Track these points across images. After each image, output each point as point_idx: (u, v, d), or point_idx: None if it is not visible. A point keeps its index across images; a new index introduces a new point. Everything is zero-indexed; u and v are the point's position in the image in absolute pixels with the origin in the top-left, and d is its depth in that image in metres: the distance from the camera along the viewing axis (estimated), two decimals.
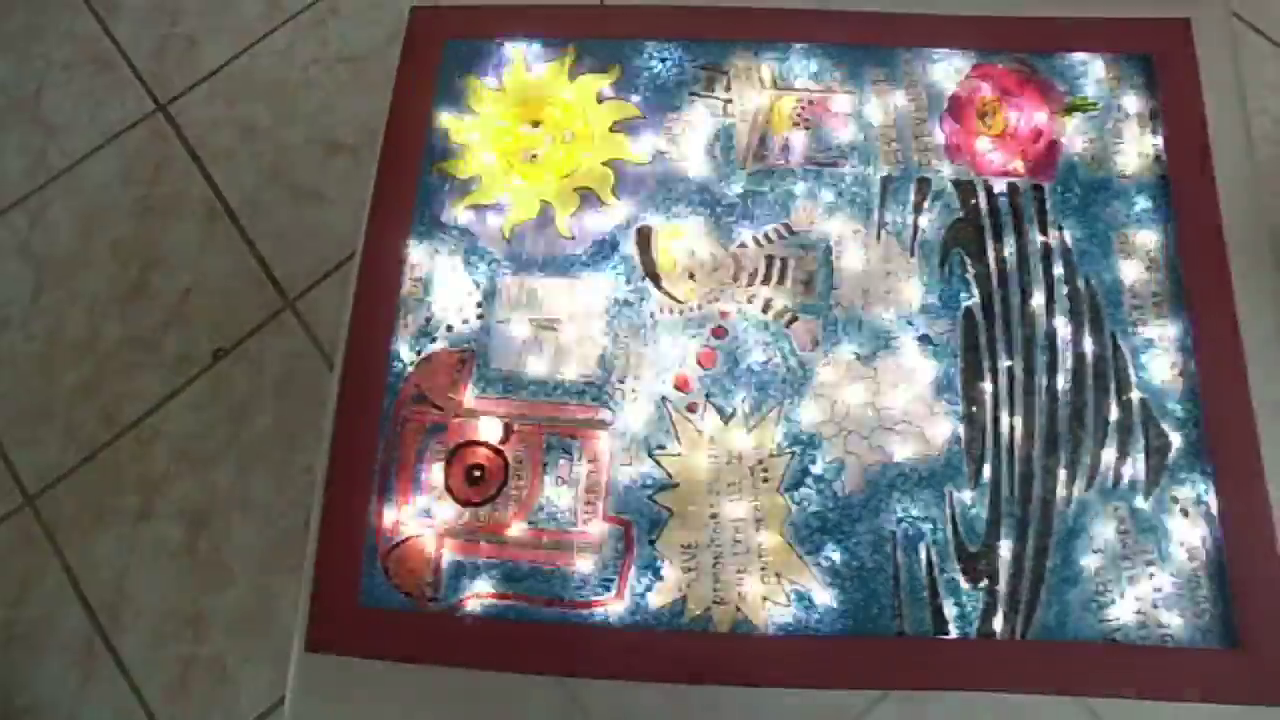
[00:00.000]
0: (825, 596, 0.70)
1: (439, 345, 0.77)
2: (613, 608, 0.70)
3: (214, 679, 1.24)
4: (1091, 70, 0.83)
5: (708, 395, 0.75)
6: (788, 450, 0.73)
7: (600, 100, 0.84)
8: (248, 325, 1.40)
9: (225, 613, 1.27)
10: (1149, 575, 0.70)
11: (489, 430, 0.75)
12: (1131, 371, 0.74)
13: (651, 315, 0.77)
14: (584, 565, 0.71)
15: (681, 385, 0.75)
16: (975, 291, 0.77)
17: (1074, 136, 0.81)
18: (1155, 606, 0.69)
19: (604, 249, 0.79)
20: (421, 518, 0.73)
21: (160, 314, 1.41)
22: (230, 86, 1.53)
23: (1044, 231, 0.78)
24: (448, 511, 0.73)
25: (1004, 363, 0.75)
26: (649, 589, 0.71)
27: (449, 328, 0.78)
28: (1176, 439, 0.72)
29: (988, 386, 0.74)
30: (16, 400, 1.38)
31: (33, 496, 1.33)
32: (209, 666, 1.25)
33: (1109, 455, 0.72)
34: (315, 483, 0.74)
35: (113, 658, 1.26)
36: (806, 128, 0.82)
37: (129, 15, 1.59)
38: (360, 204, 0.81)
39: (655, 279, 0.78)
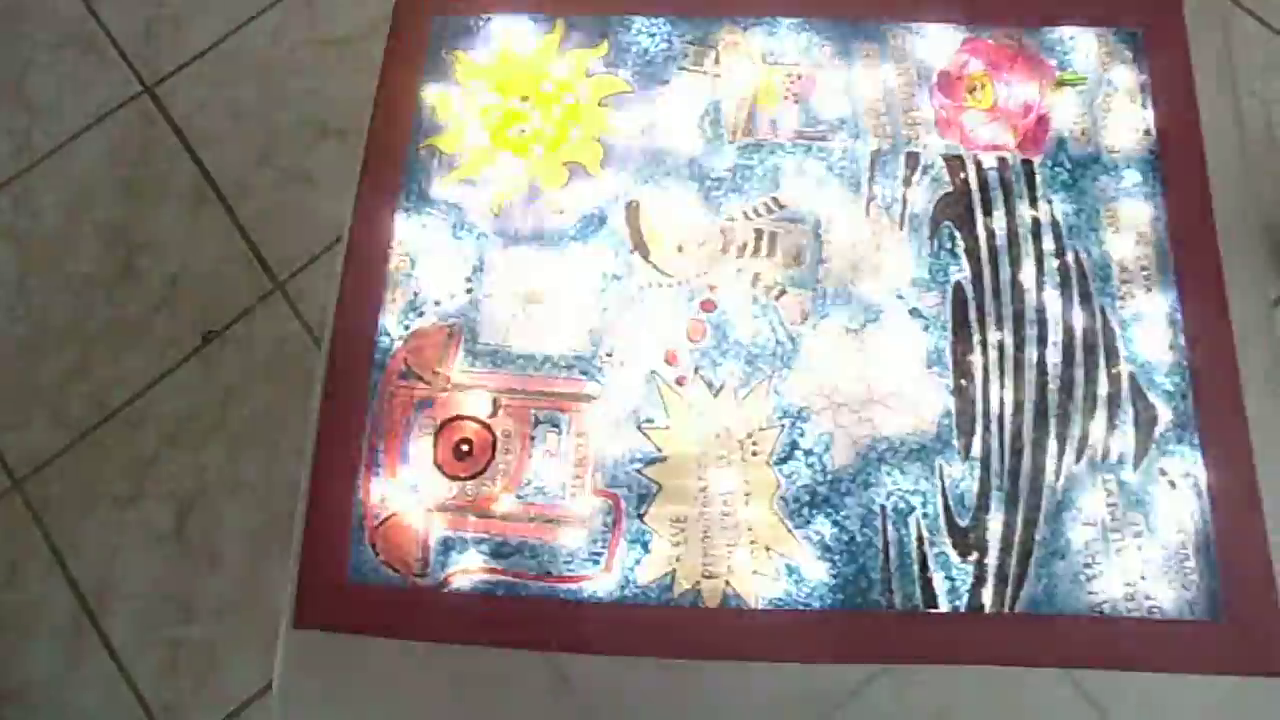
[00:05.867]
0: (815, 570, 0.70)
1: (427, 320, 0.77)
2: (601, 582, 0.70)
3: (203, 662, 1.24)
4: (1081, 44, 0.83)
5: (697, 368, 0.74)
6: (777, 423, 0.73)
7: (589, 75, 0.83)
8: (237, 308, 1.39)
9: (214, 596, 1.26)
10: (1137, 548, 0.70)
11: (477, 404, 0.74)
12: (1120, 345, 0.74)
13: (640, 289, 0.77)
14: (572, 539, 0.71)
15: (670, 358, 0.75)
16: (965, 265, 0.76)
17: (1063, 111, 0.81)
18: (1143, 579, 0.69)
19: (592, 223, 0.79)
20: (409, 493, 0.73)
21: (148, 297, 1.40)
22: (218, 68, 1.52)
23: (1033, 206, 0.78)
24: (436, 486, 0.73)
25: (993, 336, 0.74)
26: (638, 563, 0.71)
27: (437, 302, 0.77)
28: (1165, 412, 0.72)
29: (977, 360, 0.74)
30: (3, 383, 1.37)
31: (20, 480, 1.32)
32: (198, 649, 1.24)
33: (1098, 428, 0.72)
34: (304, 462, 0.74)
35: (101, 641, 1.25)
36: (795, 102, 0.82)
37: None
38: (349, 186, 0.81)
39: (644, 252, 0.78)
